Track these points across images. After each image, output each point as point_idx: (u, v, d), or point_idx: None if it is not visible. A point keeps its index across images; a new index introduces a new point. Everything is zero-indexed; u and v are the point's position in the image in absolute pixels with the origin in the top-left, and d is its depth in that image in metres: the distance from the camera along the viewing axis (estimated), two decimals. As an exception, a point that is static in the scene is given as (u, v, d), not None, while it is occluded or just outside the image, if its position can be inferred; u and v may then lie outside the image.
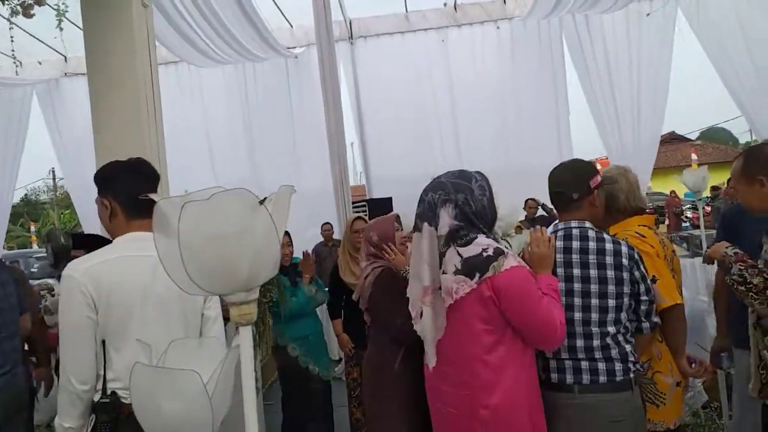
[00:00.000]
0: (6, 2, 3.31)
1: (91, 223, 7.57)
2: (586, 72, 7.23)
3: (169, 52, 6.74)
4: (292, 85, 7.81)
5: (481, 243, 1.82)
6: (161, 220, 0.94)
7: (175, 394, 1.08)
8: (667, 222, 13.63)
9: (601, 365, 1.90)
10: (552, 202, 2.12)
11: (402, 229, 3.00)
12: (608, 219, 2.28)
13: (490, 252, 1.80)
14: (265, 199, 0.94)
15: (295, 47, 7.73)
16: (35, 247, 18.81)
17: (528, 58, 7.45)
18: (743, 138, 36.60)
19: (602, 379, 1.88)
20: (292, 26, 7.72)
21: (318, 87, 6.49)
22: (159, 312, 1.78)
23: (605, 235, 1.99)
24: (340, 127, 5.50)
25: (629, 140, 7.21)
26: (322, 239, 6.77)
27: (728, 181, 7.87)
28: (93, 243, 3.67)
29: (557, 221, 2.09)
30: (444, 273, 1.81)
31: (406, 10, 7.69)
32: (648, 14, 7.06)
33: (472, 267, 1.79)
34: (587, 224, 2.01)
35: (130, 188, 1.88)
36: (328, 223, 6.71)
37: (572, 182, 2.03)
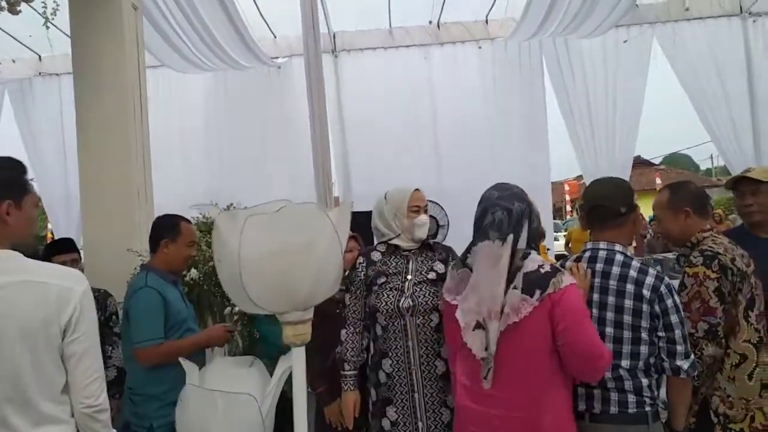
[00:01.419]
0: (-8, -3, 3.21)
1: (60, 224, 7.36)
2: (564, 94, 7.37)
3: (150, 57, 6.62)
4: (273, 95, 7.74)
5: (536, 259, 1.80)
6: (219, 235, 0.89)
7: (228, 419, 1.03)
8: (634, 244, 13.93)
9: (614, 395, 1.86)
10: (588, 218, 2.07)
11: (361, 248, 3.02)
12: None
13: (547, 268, 1.78)
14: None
15: (278, 57, 7.68)
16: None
17: (508, 79, 7.55)
18: (704, 164, 37.82)
19: (613, 409, 1.86)
20: (275, 36, 7.68)
21: (299, 98, 6.47)
22: None
23: (634, 262, 1.95)
24: (325, 140, 5.46)
25: (604, 162, 7.35)
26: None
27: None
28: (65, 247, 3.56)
29: (587, 242, 2.05)
30: (514, 288, 1.77)
31: (390, 26, 7.73)
32: (625, 41, 7.25)
33: (532, 283, 1.76)
34: (617, 247, 1.98)
35: None
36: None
37: (619, 196, 2.01)
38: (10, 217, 1.64)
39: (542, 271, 1.76)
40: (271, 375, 1.61)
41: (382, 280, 2.44)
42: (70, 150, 6.91)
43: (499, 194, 1.86)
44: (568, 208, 24.83)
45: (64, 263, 3.44)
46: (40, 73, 7.33)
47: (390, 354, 2.34)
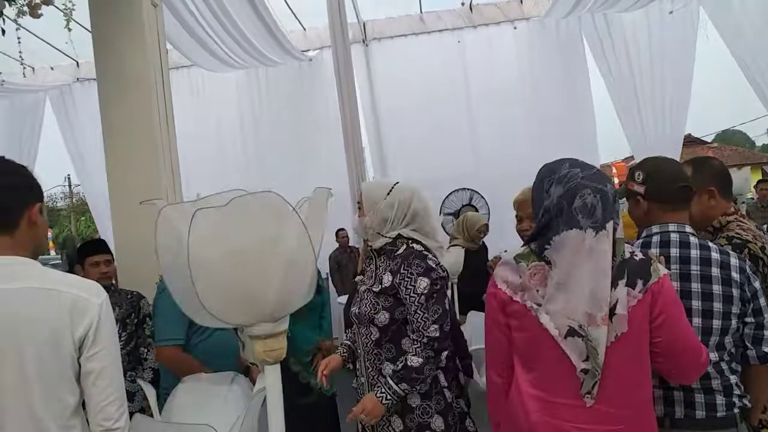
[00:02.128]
0: (12, 3, 3.21)
1: (108, 229, 7.51)
2: (608, 72, 7.05)
3: (181, 56, 6.66)
4: (305, 89, 7.69)
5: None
6: (166, 231, 0.78)
7: None
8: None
9: (699, 397, 1.65)
10: (672, 199, 1.83)
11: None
12: None
13: (639, 254, 1.56)
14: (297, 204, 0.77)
15: (308, 50, 7.62)
16: (53, 253, 18.89)
17: (547, 59, 7.28)
18: (760, 140, 36.06)
19: (699, 413, 1.64)
20: (305, 29, 7.61)
21: (331, 90, 6.39)
22: None
23: (709, 243, 1.74)
24: (357, 131, 5.37)
25: (653, 141, 7.01)
26: (337, 245, 6.63)
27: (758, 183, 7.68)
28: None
29: (651, 225, 1.82)
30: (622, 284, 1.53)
31: (421, 11, 7.55)
32: (671, 12, 6.87)
33: (632, 273, 1.52)
34: (687, 228, 1.77)
35: None
36: (343, 229, 6.57)
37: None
38: (39, 220, 1.57)
39: (637, 257, 1.54)
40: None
41: (360, 278, 2.40)
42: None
43: (585, 172, 1.58)
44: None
45: (97, 264, 3.46)
46: (78, 79, 7.47)
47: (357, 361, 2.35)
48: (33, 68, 7.22)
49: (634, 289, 1.51)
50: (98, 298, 1.50)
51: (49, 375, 1.44)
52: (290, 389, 3.28)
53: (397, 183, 2.39)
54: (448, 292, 3.72)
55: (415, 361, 2.11)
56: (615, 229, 1.54)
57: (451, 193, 7.24)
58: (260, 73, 7.71)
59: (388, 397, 2.09)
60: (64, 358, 1.45)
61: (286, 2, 6.68)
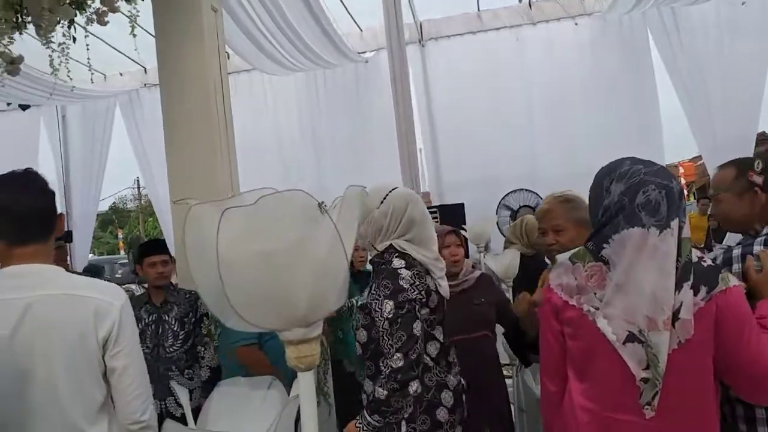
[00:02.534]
0: (82, 12, 3.35)
1: (169, 229, 7.76)
2: (675, 68, 6.72)
3: (242, 61, 6.80)
4: (361, 91, 7.71)
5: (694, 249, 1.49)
6: (195, 232, 0.78)
7: None
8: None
9: None
10: None
11: (462, 245, 2.81)
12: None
13: (709, 261, 1.48)
14: (322, 203, 0.75)
15: (365, 51, 7.64)
16: (122, 253, 19.78)
17: (610, 56, 7.02)
18: None
19: None
20: (361, 30, 7.64)
21: (387, 92, 6.38)
22: (27, 366, 1.51)
23: None
24: (411, 132, 5.34)
25: (723, 139, 6.63)
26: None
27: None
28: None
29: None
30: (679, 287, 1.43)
31: (479, 9, 7.44)
32: (743, 2, 6.49)
33: (697, 279, 1.43)
34: None
35: (6, 209, 1.62)
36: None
37: None
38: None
39: (705, 264, 1.45)
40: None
41: None
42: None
43: (648, 169, 1.50)
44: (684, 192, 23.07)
45: (154, 264, 3.57)
46: (145, 84, 7.75)
47: None
48: (104, 75, 7.54)
49: (696, 295, 1.42)
50: (119, 301, 1.65)
51: (77, 372, 1.57)
52: (347, 387, 3.32)
53: (394, 189, 2.29)
54: (509, 296, 3.65)
55: (380, 393, 2.02)
56: (681, 228, 1.44)
57: (509, 194, 7.11)
58: (318, 76, 7.78)
59: (364, 428, 2.02)
60: (90, 358, 1.58)
61: (343, 3, 6.72)
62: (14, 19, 3.52)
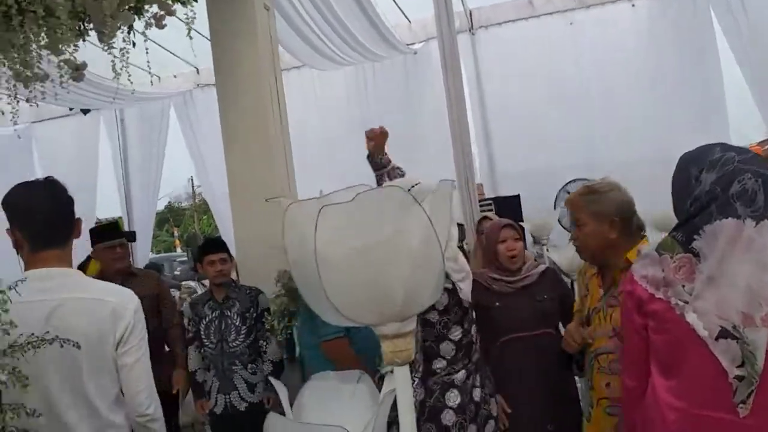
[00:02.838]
0: (140, 17, 3.42)
1: (226, 228, 7.92)
2: (740, 47, 6.37)
3: (290, 57, 6.85)
4: (411, 83, 7.67)
5: None
6: (292, 228, 0.77)
7: None
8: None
9: None
10: None
11: (521, 239, 2.73)
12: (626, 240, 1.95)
13: None
14: (416, 184, 0.73)
15: (413, 43, 7.58)
16: (178, 250, 20.40)
17: (670, 37, 6.73)
18: None
19: None
20: (410, 21, 7.58)
21: (437, 82, 6.31)
22: (55, 365, 1.65)
23: None
24: (464, 123, 5.24)
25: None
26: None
27: None
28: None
29: None
30: None
31: (530, -5, 7.28)
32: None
33: None
34: None
35: (31, 215, 1.76)
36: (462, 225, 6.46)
37: None
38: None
39: None
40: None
41: None
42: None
43: (741, 156, 1.43)
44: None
45: (213, 262, 3.65)
46: (198, 85, 7.91)
47: None
48: (159, 77, 7.73)
49: None
50: (132, 304, 1.82)
51: (97, 367, 1.73)
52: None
53: (417, 184, 2.25)
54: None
55: None
56: None
57: (568, 183, 6.92)
58: (366, 69, 7.77)
59: None
60: (107, 355, 1.75)
61: (391, -5, 6.68)
62: (77, 27, 3.62)
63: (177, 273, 11.21)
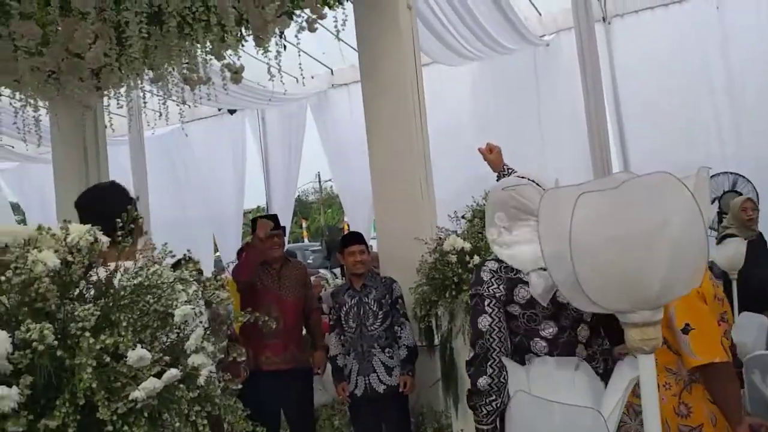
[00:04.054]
0: (293, 20, 3.70)
1: (357, 220, 8.26)
2: None
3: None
4: (541, 75, 7.52)
5: None
6: (548, 216, 0.81)
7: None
8: None
9: None
10: None
11: None
12: None
13: None
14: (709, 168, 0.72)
15: (544, 35, 7.44)
16: (306, 241, 21.41)
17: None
18: None
19: None
20: (540, 14, 7.45)
21: (570, 75, 6.16)
22: None
23: None
24: (602, 116, 5.09)
25: None
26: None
27: None
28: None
29: None
30: None
31: (670, -20, 6.87)
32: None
33: None
34: None
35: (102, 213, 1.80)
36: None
37: None
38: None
39: None
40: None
41: None
42: (363, 151, 7.72)
43: None
44: None
45: (353, 253, 3.89)
46: (332, 85, 8.29)
47: None
48: (296, 78, 8.21)
49: None
50: None
51: None
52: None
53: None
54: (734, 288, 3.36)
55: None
56: None
57: (711, 177, 6.48)
58: (495, 63, 7.72)
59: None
60: None
61: (522, -12, 6.62)
62: (238, 34, 3.99)
63: (310, 261, 11.80)
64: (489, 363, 2.03)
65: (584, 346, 2.19)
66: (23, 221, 10.05)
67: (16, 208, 10.79)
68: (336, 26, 3.58)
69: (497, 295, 2.15)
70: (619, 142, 7.23)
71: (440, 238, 3.62)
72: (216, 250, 9.47)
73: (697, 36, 6.69)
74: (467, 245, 3.40)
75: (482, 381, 2.00)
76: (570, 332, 2.18)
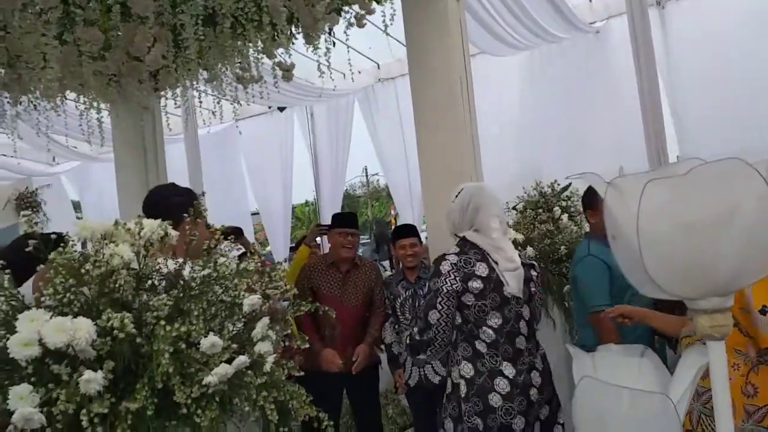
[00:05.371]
0: (342, 16, 3.74)
1: (405, 213, 8.30)
2: None
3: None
4: (591, 63, 7.35)
5: None
6: (614, 205, 0.82)
7: (635, 420, 0.96)
8: None
9: None
10: None
11: None
12: None
13: None
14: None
15: (594, 22, 7.27)
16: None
17: None
18: None
19: None
20: (590, 0, 7.28)
21: (622, 61, 6.00)
22: None
23: None
24: (657, 103, 4.94)
25: None
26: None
27: None
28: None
29: None
30: None
31: (731, -43, 6.57)
32: None
33: None
34: None
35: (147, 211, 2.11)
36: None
37: None
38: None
39: None
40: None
41: None
42: (409, 145, 7.74)
43: None
44: None
45: (404, 246, 3.92)
46: (379, 80, 8.33)
47: None
48: (343, 74, 8.27)
49: None
50: None
51: None
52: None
53: (465, 185, 2.73)
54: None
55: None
56: None
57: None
58: (543, 52, 7.60)
59: None
60: None
61: (571, -25, 6.47)
62: (288, 32, 4.06)
63: (359, 254, 11.91)
64: (429, 348, 2.46)
65: (525, 338, 2.56)
66: (80, 219, 10.51)
67: (76, 206, 11.28)
68: (384, 20, 3.59)
69: (454, 286, 2.49)
70: (676, 128, 6.99)
71: (491, 230, 3.60)
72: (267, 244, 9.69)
73: (757, 14, 6.39)
74: (520, 236, 3.38)
75: (421, 356, 2.60)
76: (513, 324, 2.51)
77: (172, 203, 2.22)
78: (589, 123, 7.25)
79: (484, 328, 2.49)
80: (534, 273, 2.73)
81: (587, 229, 3.38)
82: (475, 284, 2.47)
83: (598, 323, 2.90)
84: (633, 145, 5.66)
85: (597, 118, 7.19)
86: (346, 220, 4.14)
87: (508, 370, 2.45)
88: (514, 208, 3.89)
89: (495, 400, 2.41)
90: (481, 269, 2.48)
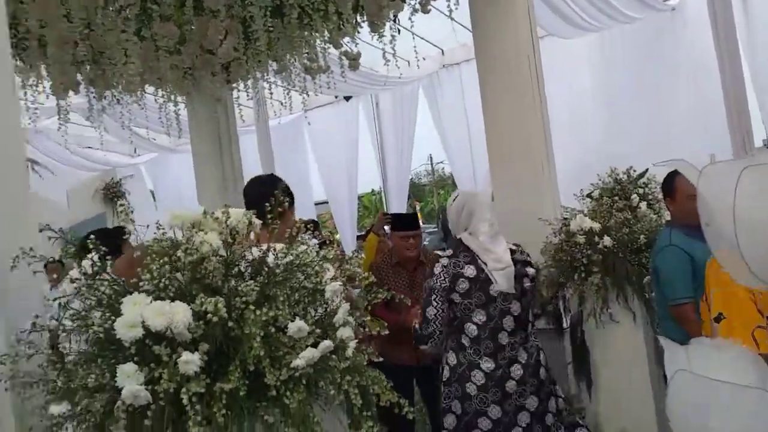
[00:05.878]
0: (406, 2, 3.72)
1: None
2: None
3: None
4: (666, 42, 7.01)
5: None
6: (707, 193, 0.80)
7: (734, 415, 0.94)
8: None
9: None
10: None
11: None
12: None
13: None
14: None
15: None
16: (421, 223, 21.67)
17: None
18: None
19: None
20: (665, -24, 6.93)
21: (700, 39, 5.72)
22: None
23: None
24: (740, 87, 4.68)
25: None
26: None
27: None
28: None
29: None
30: None
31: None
32: None
33: None
34: None
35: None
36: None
37: None
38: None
39: None
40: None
41: None
42: (473, 131, 7.66)
43: None
44: None
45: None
46: (443, 66, 8.25)
47: None
48: (408, 61, 8.25)
49: None
50: None
51: None
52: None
53: (461, 191, 3.04)
54: None
55: None
56: None
57: None
58: (614, 34, 7.31)
59: None
60: None
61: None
62: (354, 20, 4.09)
63: (426, 243, 11.92)
64: (431, 339, 2.75)
65: (508, 333, 2.76)
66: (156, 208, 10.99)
67: (152, 195, 11.79)
68: (448, 5, 3.57)
69: (443, 286, 2.74)
70: (758, 110, 6.59)
71: (565, 218, 3.52)
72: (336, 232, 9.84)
73: None
74: (596, 225, 3.29)
75: (426, 346, 2.82)
76: (497, 321, 2.74)
77: (278, 194, 2.31)
78: (666, 106, 6.93)
79: (468, 324, 2.74)
80: (530, 270, 2.91)
81: (668, 218, 3.24)
82: (463, 285, 2.73)
83: (680, 316, 2.80)
84: (714, 129, 5.38)
85: (674, 102, 6.87)
86: (405, 222, 4.09)
87: (487, 364, 2.70)
88: (589, 195, 3.76)
89: (471, 389, 2.70)
90: (469, 271, 2.74)
